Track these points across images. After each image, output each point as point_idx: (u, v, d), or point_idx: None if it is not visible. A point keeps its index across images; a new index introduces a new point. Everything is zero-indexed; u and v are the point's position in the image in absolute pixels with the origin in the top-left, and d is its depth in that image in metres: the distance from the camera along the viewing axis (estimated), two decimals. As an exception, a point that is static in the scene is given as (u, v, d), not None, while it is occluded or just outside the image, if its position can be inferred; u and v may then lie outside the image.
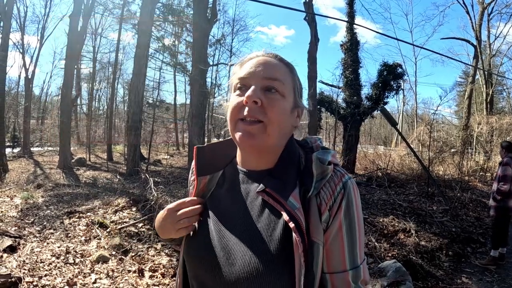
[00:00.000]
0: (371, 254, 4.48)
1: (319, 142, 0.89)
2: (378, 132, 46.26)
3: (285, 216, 0.75)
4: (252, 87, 0.79)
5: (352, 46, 13.86)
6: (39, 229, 4.65)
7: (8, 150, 17.44)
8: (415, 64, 32.90)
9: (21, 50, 23.42)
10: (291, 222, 0.74)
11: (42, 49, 31.69)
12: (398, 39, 23.14)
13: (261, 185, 0.80)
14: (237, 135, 0.80)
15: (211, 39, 20.35)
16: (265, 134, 0.78)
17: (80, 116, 32.77)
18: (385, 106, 13.44)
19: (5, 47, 12.64)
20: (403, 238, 5.03)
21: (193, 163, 0.91)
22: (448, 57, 25.97)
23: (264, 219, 0.79)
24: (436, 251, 4.72)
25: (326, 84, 14.87)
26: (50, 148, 22.36)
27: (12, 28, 16.03)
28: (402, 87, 15.98)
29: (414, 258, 4.35)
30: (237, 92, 0.82)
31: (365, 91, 13.99)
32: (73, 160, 15.28)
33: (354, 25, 13.65)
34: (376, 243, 4.75)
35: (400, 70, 13.23)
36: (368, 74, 47.25)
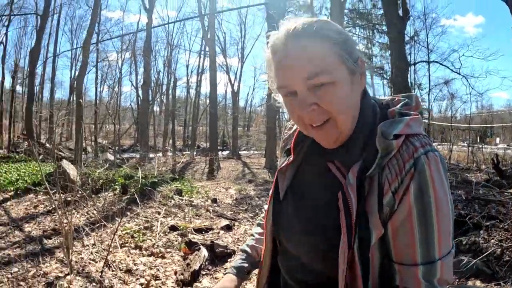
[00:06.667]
0: None
1: (399, 106, 0.77)
2: None
3: (340, 192, 0.73)
4: (299, 98, 0.72)
5: None
6: (252, 215, 5.52)
7: (219, 153, 21.11)
8: None
9: (225, 69, 28.06)
10: (341, 197, 0.73)
11: (244, 66, 36.86)
12: None
13: (332, 155, 0.79)
14: (315, 138, 0.79)
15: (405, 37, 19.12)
16: (338, 128, 0.73)
17: (283, 123, 36.56)
18: None
19: (214, 67, 15.79)
20: None
21: (295, 135, 0.91)
22: None
23: (328, 189, 0.78)
24: None
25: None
26: (255, 152, 25.72)
27: (216, 52, 19.56)
28: None
29: None
30: (284, 97, 0.77)
31: None
32: (277, 161, 17.20)
33: None
34: None
35: None
36: None
